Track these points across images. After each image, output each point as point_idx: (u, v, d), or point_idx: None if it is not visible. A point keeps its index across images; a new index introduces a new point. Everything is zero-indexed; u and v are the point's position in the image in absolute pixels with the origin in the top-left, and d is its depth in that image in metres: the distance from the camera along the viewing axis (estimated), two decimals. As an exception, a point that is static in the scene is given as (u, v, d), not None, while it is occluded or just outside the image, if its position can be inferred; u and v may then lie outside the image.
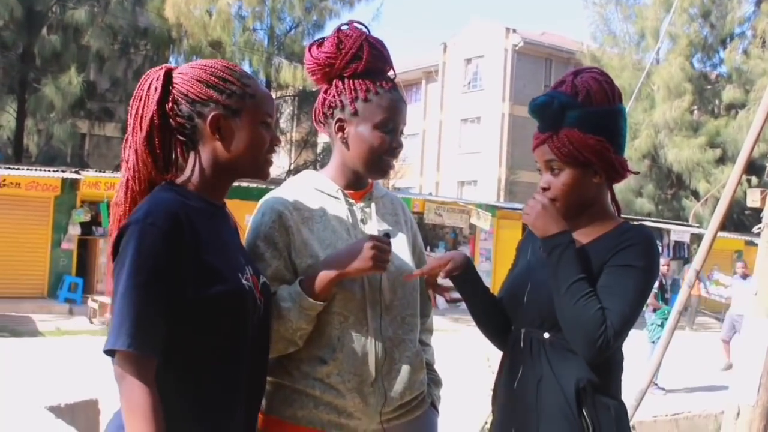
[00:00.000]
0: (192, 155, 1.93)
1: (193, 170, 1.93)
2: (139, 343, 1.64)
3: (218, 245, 1.87)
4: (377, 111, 2.22)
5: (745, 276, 12.95)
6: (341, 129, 2.26)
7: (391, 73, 2.32)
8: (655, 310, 10.61)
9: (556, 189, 2.17)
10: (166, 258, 1.71)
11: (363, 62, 2.23)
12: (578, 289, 2.01)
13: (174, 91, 1.90)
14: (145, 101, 1.88)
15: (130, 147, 1.89)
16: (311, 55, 2.30)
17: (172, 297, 1.72)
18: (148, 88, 1.89)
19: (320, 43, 2.31)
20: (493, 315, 2.33)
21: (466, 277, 2.30)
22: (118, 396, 1.70)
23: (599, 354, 2.00)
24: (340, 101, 2.25)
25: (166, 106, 1.89)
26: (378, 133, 2.22)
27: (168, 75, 1.92)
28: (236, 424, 1.89)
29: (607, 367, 2.11)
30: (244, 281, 1.89)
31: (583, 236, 2.18)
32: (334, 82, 2.28)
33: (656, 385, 10.17)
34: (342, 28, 2.28)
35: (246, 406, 1.93)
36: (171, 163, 1.94)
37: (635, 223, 2.26)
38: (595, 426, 2.05)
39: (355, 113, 2.23)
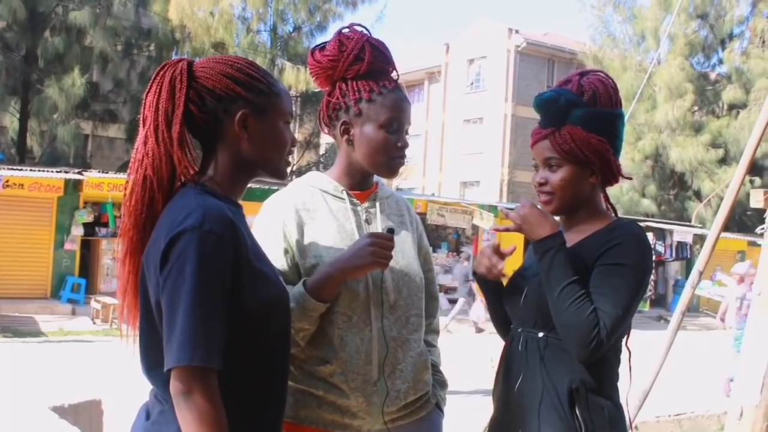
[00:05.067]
0: (216, 153, 1.85)
1: (216, 169, 1.85)
2: (209, 357, 1.60)
3: (256, 248, 1.83)
4: (381, 111, 2.24)
5: None
6: (347, 131, 2.28)
7: (394, 74, 2.33)
8: None
9: (554, 184, 2.19)
10: (227, 266, 1.66)
11: (365, 63, 2.25)
12: (571, 292, 2.02)
13: (198, 86, 1.81)
14: (168, 95, 1.78)
15: (152, 143, 1.76)
16: (314, 59, 2.32)
17: (232, 305, 1.67)
18: (171, 81, 1.79)
19: (322, 47, 2.32)
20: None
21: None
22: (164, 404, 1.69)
23: (592, 355, 2.00)
24: (345, 103, 2.27)
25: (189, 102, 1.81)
26: (383, 132, 2.24)
27: (190, 68, 1.83)
28: (280, 424, 1.87)
29: (600, 368, 2.11)
30: (283, 282, 1.90)
31: (575, 234, 2.21)
32: (337, 84, 2.29)
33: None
34: (343, 31, 2.31)
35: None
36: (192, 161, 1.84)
37: (626, 219, 2.27)
38: (587, 426, 2.05)
39: (360, 114, 2.25)
